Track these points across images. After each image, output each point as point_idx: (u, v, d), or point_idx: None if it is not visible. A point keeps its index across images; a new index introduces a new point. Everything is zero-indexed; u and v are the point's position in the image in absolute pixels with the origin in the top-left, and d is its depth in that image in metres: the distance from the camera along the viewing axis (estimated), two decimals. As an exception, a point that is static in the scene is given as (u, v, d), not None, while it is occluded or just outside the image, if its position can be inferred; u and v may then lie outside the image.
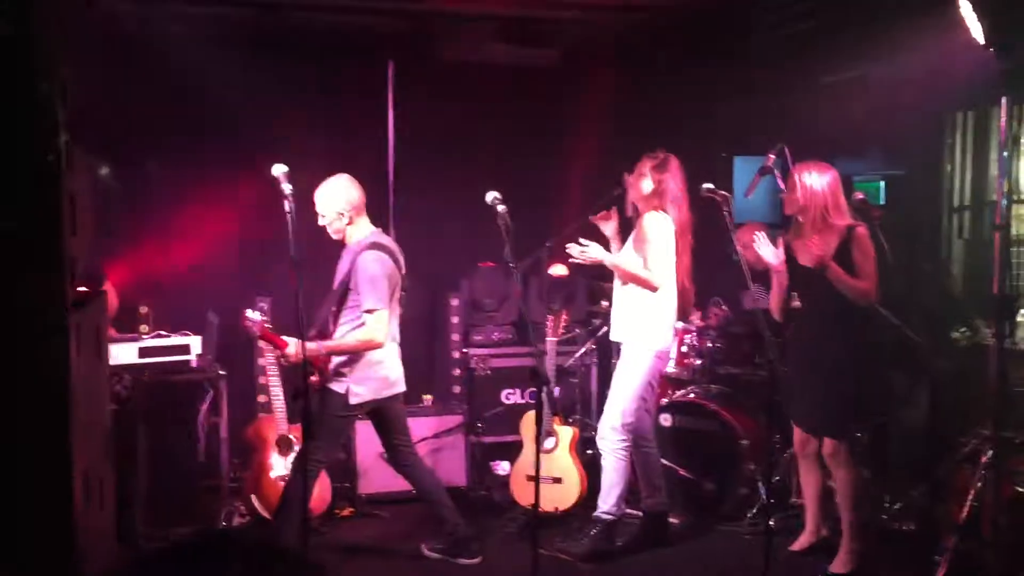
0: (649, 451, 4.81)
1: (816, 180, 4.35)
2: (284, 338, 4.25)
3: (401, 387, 4.55)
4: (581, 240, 4.58)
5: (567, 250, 4.51)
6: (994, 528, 4.06)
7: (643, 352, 4.66)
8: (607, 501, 4.70)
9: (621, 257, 4.72)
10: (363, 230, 4.44)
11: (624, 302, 4.74)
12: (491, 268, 6.27)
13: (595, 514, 4.73)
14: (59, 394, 2.08)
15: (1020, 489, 4.17)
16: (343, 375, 4.33)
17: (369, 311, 4.23)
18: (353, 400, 4.33)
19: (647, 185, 4.69)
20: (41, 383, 2.07)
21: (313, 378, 4.22)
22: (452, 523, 4.60)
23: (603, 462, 4.73)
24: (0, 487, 2.15)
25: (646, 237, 4.63)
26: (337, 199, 4.37)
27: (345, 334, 4.34)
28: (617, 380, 4.71)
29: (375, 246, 4.34)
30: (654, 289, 4.61)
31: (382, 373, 4.41)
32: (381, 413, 4.53)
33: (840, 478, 4.43)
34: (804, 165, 4.43)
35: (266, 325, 4.33)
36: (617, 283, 4.82)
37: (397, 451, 4.61)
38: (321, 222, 4.39)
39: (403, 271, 4.50)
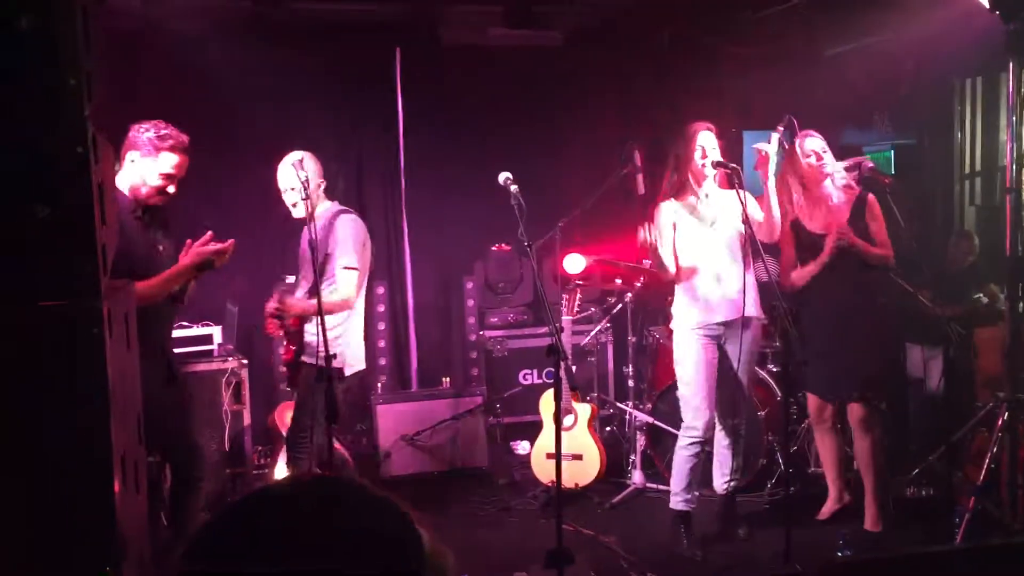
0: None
1: (816, 144, 4.39)
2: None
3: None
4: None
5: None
6: (1011, 489, 4.11)
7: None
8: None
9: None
10: (327, 202, 4.30)
11: (748, 278, 4.38)
12: (504, 251, 6.31)
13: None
14: (97, 378, 2.14)
15: (1037, 450, 4.21)
16: (336, 349, 4.03)
17: (346, 268, 4.09)
18: (348, 372, 4.23)
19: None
20: (79, 367, 2.13)
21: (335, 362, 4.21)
22: None
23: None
24: (40, 473, 2.20)
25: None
26: (314, 173, 4.11)
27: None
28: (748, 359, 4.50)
29: (349, 211, 4.30)
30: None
31: (361, 346, 4.37)
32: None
33: (871, 441, 4.45)
34: (804, 132, 4.44)
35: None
36: (728, 257, 4.41)
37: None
38: (296, 198, 4.08)
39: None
